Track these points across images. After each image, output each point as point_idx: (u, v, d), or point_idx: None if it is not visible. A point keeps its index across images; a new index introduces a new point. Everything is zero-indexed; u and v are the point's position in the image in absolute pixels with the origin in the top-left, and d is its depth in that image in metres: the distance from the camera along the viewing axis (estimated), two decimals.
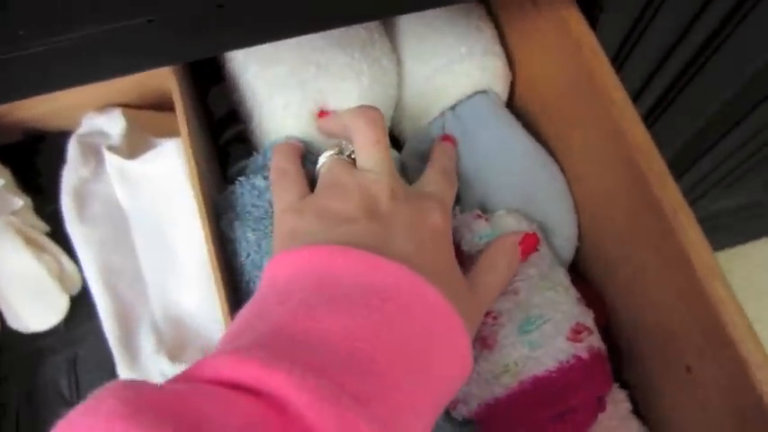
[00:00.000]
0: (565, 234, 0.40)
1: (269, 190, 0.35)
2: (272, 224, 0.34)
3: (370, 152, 0.33)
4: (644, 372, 0.38)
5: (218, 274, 0.33)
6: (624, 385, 0.38)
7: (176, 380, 0.23)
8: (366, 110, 0.34)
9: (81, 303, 0.42)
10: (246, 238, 0.34)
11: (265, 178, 0.35)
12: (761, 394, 0.29)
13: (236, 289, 0.35)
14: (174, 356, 0.39)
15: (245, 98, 0.39)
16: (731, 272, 1.14)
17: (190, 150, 0.36)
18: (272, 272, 0.29)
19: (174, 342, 0.40)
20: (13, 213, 0.42)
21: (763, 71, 0.46)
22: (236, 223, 0.35)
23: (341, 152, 0.35)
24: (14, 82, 0.30)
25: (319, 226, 0.30)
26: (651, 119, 0.54)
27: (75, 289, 0.42)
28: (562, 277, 0.37)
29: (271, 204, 0.35)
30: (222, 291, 0.33)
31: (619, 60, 0.40)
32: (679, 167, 0.70)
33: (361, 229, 0.29)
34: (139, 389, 0.21)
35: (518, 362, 0.33)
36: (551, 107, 0.39)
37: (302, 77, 0.37)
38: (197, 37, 0.30)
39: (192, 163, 0.36)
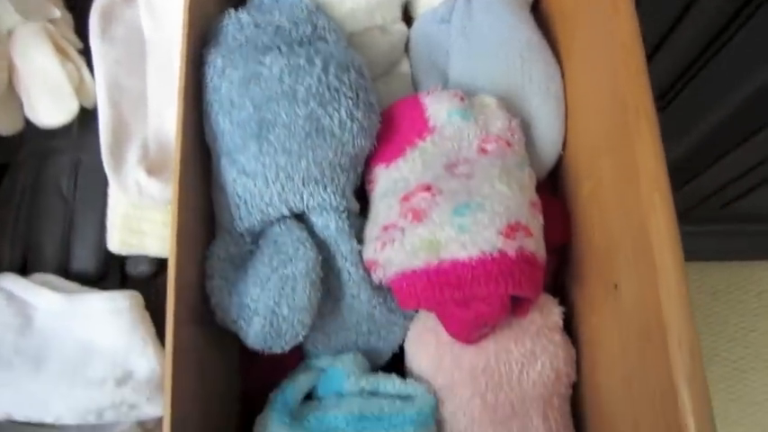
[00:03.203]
0: (549, 138, 0.38)
1: (250, 26, 0.36)
2: (242, 57, 0.35)
3: None
4: (580, 289, 0.36)
5: (182, 96, 0.35)
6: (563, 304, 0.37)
7: None
8: None
9: (94, 116, 0.46)
10: (215, 63, 0.35)
11: (251, 15, 0.36)
12: (661, 316, 0.27)
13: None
14: (151, 172, 0.42)
15: None
16: None
17: None
18: None
19: (156, 160, 0.43)
20: (53, 23, 0.46)
21: None
22: (212, 49, 0.36)
23: None
24: None
25: None
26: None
27: (91, 102, 0.46)
28: (525, 178, 0.35)
29: (248, 39, 0.35)
30: (182, 110, 0.35)
31: None
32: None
33: None
34: None
35: (442, 241, 0.33)
36: (564, 9, 0.37)
37: None
38: None
39: None
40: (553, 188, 0.41)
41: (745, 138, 0.70)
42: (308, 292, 0.32)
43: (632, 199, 0.29)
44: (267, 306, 0.32)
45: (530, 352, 0.34)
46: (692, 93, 0.60)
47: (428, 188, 0.34)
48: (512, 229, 0.32)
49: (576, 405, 0.37)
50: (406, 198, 0.34)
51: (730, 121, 0.65)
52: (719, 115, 0.65)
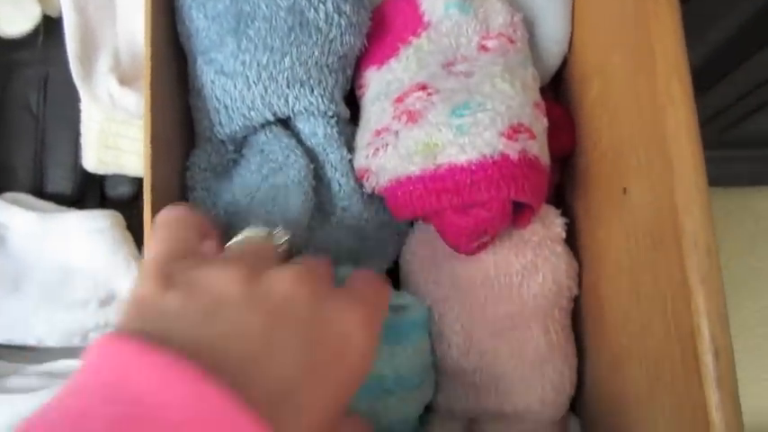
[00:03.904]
0: (555, 36, 0.35)
1: None
2: None
3: None
4: (584, 198, 0.34)
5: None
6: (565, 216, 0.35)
7: None
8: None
9: (59, 26, 0.42)
10: None
11: None
12: (677, 217, 0.25)
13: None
14: (123, 82, 0.39)
15: None
16: None
17: None
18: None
19: (128, 71, 0.40)
20: None
21: None
22: None
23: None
24: None
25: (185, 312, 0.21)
26: None
27: (55, 8, 0.42)
28: (528, 77, 0.33)
29: None
30: (150, 3, 0.31)
31: None
32: None
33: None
34: None
35: (439, 144, 0.30)
36: None
37: None
38: None
39: None
40: (554, 97, 0.38)
41: (747, 57, 0.66)
42: (301, 201, 0.30)
43: (647, 92, 0.27)
44: (257, 218, 0.30)
45: (531, 264, 0.32)
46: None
47: (423, 87, 0.31)
48: (514, 131, 0.30)
49: (576, 318, 0.35)
50: (399, 99, 0.31)
51: (731, 38, 0.62)
52: (720, 34, 0.61)
